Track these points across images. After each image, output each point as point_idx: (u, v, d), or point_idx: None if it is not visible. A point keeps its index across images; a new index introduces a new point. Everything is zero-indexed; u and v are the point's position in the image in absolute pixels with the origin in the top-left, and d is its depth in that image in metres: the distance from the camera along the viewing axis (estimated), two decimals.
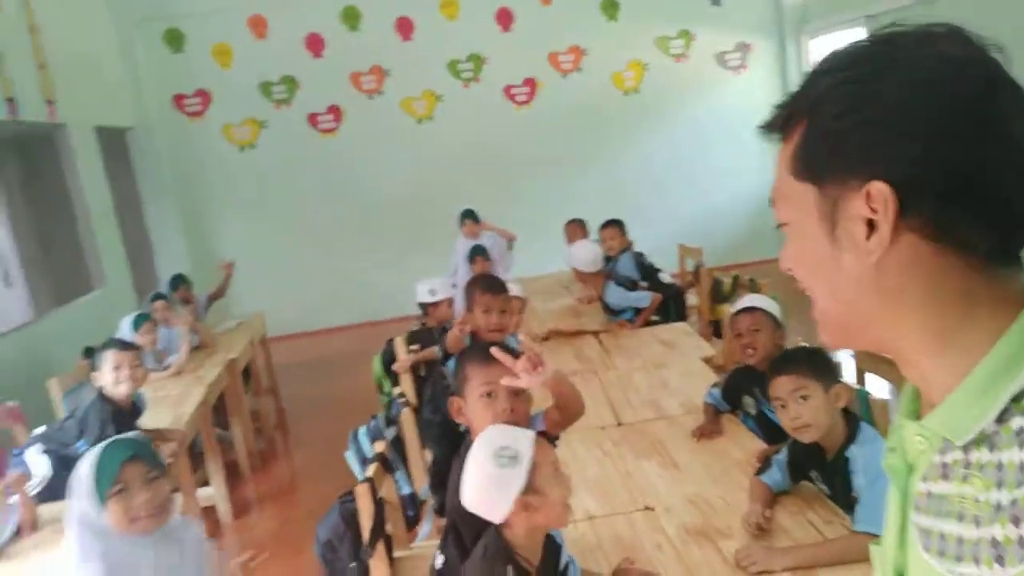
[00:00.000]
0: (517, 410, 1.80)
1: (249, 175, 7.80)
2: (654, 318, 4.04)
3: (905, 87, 0.59)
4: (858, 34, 6.31)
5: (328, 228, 7.87)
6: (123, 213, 6.69)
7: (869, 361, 2.66)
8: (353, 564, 2.24)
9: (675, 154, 8.01)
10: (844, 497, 1.87)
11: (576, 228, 5.50)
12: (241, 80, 7.65)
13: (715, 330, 4.18)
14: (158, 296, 4.84)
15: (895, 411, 0.84)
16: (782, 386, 1.93)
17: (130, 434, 1.97)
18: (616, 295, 4.04)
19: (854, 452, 1.85)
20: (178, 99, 7.69)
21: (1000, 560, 0.54)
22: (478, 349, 1.97)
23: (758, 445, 2.33)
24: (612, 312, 4.05)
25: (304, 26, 7.64)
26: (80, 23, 6.43)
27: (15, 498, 2.50)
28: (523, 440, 1.51)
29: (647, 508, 2.07)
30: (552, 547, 1.59)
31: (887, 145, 0.59)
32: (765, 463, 2.09)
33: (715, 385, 2.67)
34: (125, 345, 3.19)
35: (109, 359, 3.07)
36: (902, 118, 0.58)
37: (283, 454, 5.03)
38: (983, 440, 0.58)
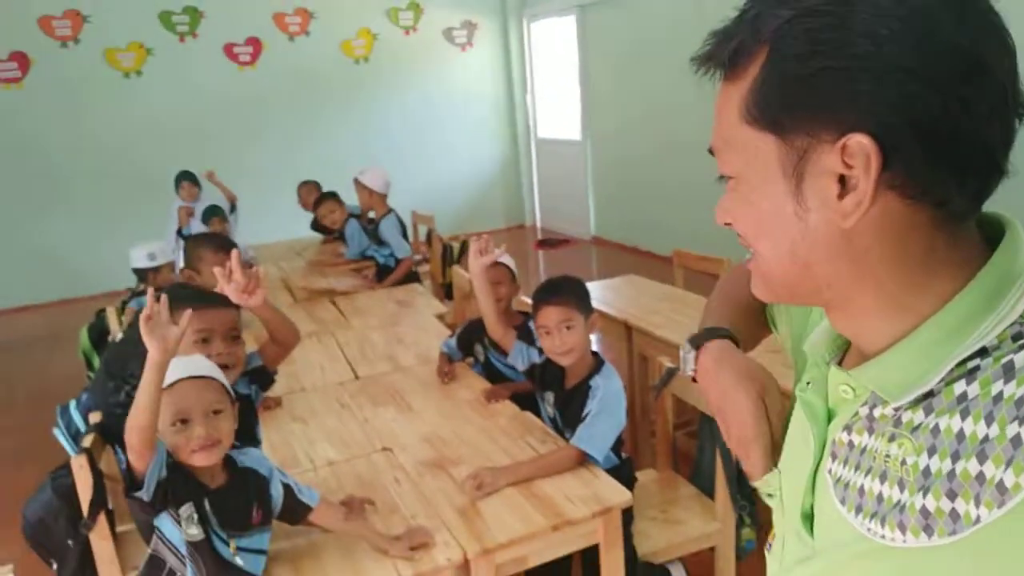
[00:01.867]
0: (233, 353, 1.90)
1: None
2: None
3: (881, 22, 0.51)
4: (570, 23, 6.85)
5: (22, 192, 6.87)
6: None
7: None
8: (70, 541, 2.08)
9: (407, 125, 8.14)
10: (572, 420, 2.11)
11: (312, 189, 5.42)
12: None
13: (447, 292, 4.39)
14: None
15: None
16: (550, 315, 2.09)
17: None
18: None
19: (597, 382, 2.09)
20: None
21: (928, 530, 0.52)
22: (189, 295, 1.96)
23: (484, 385, 2.55)
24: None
25: None
26: None
27: None
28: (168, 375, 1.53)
29: (385, 449, 2.18)
30: (242, 476, 1.63)
31: (864, 91, 0.51)
32: (522, 339, 2.34)
33: (451, 336, 2.84)
34: None
35: None
36: (880, 59, 0.51)
37: None
38: (919, 402, 0.56)
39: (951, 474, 0.52)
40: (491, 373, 2.67)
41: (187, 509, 1.53)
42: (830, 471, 0.62)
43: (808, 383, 0.67)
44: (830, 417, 0.64)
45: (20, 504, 2.22)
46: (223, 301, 1.94)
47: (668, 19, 6.15)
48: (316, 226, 5.31)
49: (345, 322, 3.46)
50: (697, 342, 0.85)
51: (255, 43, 7.53)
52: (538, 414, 2.31)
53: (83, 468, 2.02)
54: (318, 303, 3.80)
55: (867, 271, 0.57)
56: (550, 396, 2.25)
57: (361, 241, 4.55)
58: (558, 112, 8.30)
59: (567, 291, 2.16)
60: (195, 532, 1.53)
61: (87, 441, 2.11)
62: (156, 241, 3.84)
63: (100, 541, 2.06)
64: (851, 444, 0.61)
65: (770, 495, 0.74)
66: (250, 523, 1.62)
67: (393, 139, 8.05)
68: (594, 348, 2.25)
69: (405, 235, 4.44)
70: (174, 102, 7.23)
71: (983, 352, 0.53)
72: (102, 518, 2.05)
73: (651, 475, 2.42)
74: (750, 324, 0.90)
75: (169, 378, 1.53)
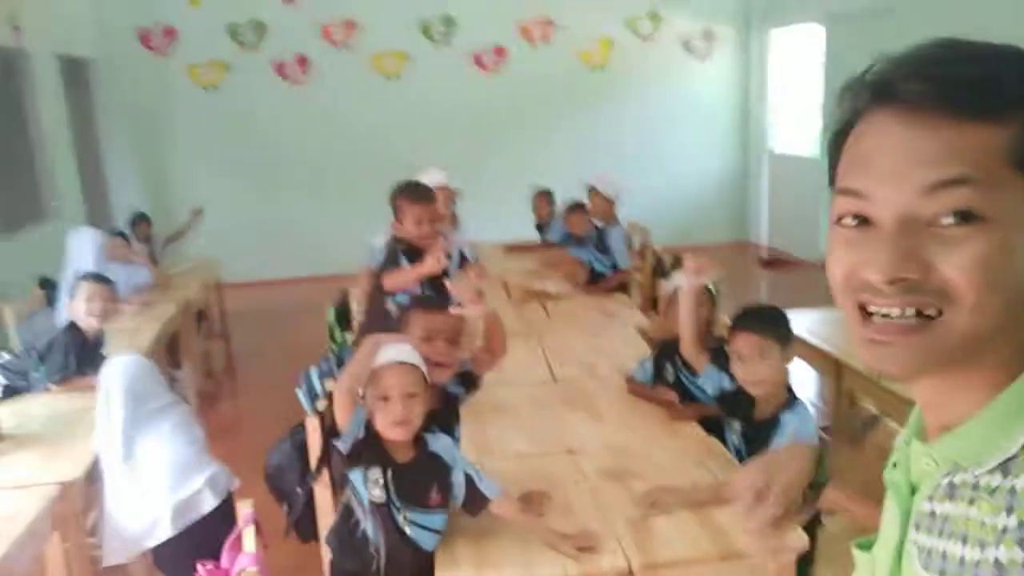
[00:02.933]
0: (450, 354, 2.13)
1: (211, 118, 7.77)
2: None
3: None
4: (817, 31, 6.40)
5: (288, 179, 7.90)
6: (80, 145, 6.64)
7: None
8: (299, 489, 2.43)
9: (636, 133, 8.23)
10: (757, 453, 2.08)
11: (545, 197, 5.66)
12: (208, 20, 7.58)
13: (653, 304, 4.43)
14: (118, 233, 4.88)
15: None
16: (746, 342, 2.07)
17: None
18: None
19: (788, 418, 2.04)
20: (143, 34, 7.60)
21: None
22: (420, 300, 2.29)
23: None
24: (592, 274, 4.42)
25: None
26: None
27: None
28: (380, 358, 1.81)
29: (570, 451, 2.31)
30: (428, 458, 1.84)
31: None
32: (716, 363, 2.32)
33: (647, 358, 2.81)
34: (100, 279, 3.26)
35: (83, 290, 3.15)
36: None
37: (231, 396, 5.17)
38: (997, 466, 0.57)
39: (1022, 524, 0.53)
40: (680, 393, 2.69)
41: (375, 472, 1.79)
42: (914, 542, 0.63)
43: (894, 464, 0.69)
44: (913, 491, 0.66)
45: (260, 458, 2.63)
46: (444, 305, 2.20)
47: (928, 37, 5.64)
48: (542, 230, 5.58)
49: (551, 325, 3.64)
50: None
51: (501, 51, 8.00)
52: (723, 440, 2.31)
53: (315, 428, 2.36)
54: (528, 305, 4.02)
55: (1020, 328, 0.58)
56: (737, 425, 2.24)
57: (620, 254, 4.57)
58: (795, 127, 7.94)
59: (767, 320, 2.13)
60: (378, 495, 1.78)
61: (321, 404, 2.46)
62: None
63: (323, 491, 2.39)
64: (933, 513, 0.61)
65: None
66: (427, 502, 1.82)
67: (622, 147, 8.17)
68: (791, 382, 2.20)
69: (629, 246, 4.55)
70: (425, 104, 7.90)
71: None
72: (326, 472, 2.38)
73: (842, 523, 2.32)
74: None
75: (381, 359, 1.80)
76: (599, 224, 4.66)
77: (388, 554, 1.83)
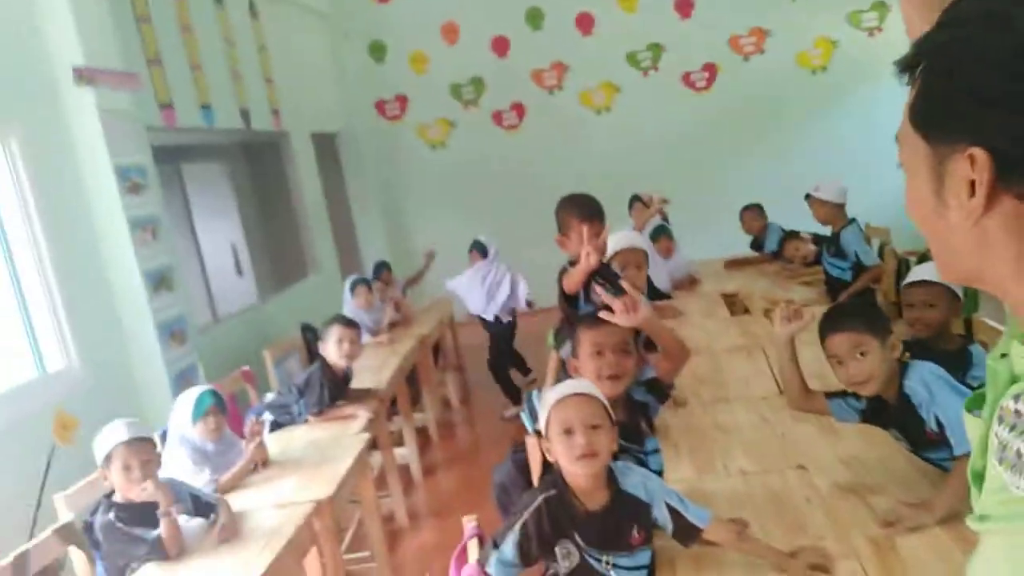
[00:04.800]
0: (622, 364, 2.08)
1: (440, 172, 8.39)
2: None
3: (1011, 58, 0.59)
4: None
5: (511, 220, 8.27)
6: (332, 208, 7.49)
7: None
8: None
9: (865, 132, 7.57)
10: (919, 434, 1.87)
11: (755, 214, 5.43)
12: (434, 83, 8.25)
13: (899, 311, 4.00)
14: (362, 280, 5.38)
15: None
16: (839, 344, 1.91)
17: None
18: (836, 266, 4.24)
19: (910, 386, 1.85)
20: (379, 105, 8.44)
21: None
22: (589, 316, 2.23)
23: None
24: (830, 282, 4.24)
25: (491, 29, 8.08)
26: (299, 40, 7.28)
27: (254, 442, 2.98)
28: (559, 391, 1.77)
29: (800, 467, 2.13)
30: (622, 500, 1.75)
31: (988, 116, 0.60)
32: (836, 396, 2.07)
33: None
34: (349, 322, 3.62)
35: (334, 333, 3.52)
36: (1010, 92, 0.59)
37: (466, 423, 5.46)
38: None
39: None
40: None
41: (562, 548, 1.73)
42: (996, 434, 0.66)
43: (1002, 355, 0.70)
44: (1013, 383, 0.67)
45: None
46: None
47: None
48: (754, 245, 5.35)
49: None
50: None
51: (711, 68, 7.82)
52: None
53: (535, 447, 2.40)
54: (752, 318, 3.82)
55: (1010, 265, 0.64)
56: (893, 431, 1.98)
57: (861, 250, 4.25)
58: None
59: (854, 315, 1.95)
60: (569, 564, 1.73)
61: (541, 424, 2.50)
62: None
63: None
64: (1017, 412, 0.64)
65: None
66: (629, 543, 1.74)
67: (849, 149, 7.55)
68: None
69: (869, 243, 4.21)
70: (637, 132, 7.91)
71: None
72: None
73: None
74: None
75: (560, 393, 1.77)
76: (831, 229, 4.35)
77: None
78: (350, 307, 4.85)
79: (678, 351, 2.22)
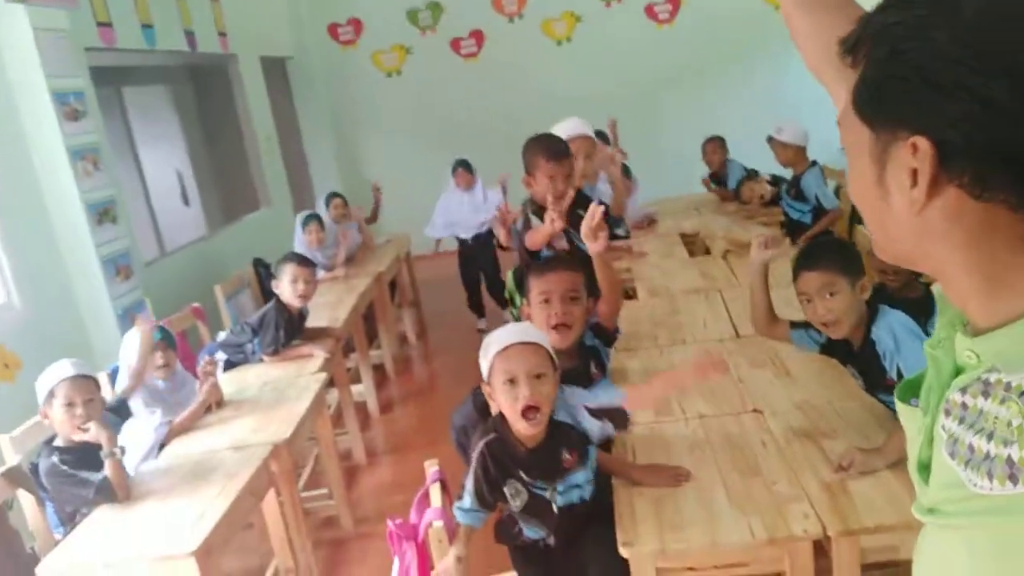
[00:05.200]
0: (570, 312, 2.10)
1: (396, 100, 8.14)
2: None
3: (958, 44, 0.57)
4: None
5: (469, 151, 8.11)
6: (283, 137, 7.24)
7: None
8: None
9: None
10: (879, 379, 1.92)
11: (717, 146, 5.42)
12: (390, 7, 7.92)
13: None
14: (314, 216, 5.17)
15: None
16: (810, 282, 1.93)
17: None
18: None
19: (877, 334, 1.89)
20: (332, 28, 8.09)
21: (1013, 479, 0.56)
22: (539, 263, 2.26)
23: None
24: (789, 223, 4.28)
25: None
26: None
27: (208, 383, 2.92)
28: (502, 339, 1.77)
29: (755, 411, 2.17)
30: (556, 430, 1.81)
31: (932, 103, 0.58)
32: (799, 325, 2.11)
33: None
34: (304, 261, 3.50)
35: (289, 272, 3.40)
36: (950, 78, 0.57)
37: (423, 359, 5.46)
38: None
39: None
40: None
41: (510, 487, 1.79)
42: (944, 427, 0.65)
43: (940, 341, 0.70)
44: (957, 374, 0.67)
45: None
46: (563, 265, 2.16)
47: None
48: (714, 179, 5.35)
49: (734, 280, 3.45)
50: None
51: (673, 1, 7.67)
52: None
53: None
54: (711, 259, 3.84)
55: (950, 253, 0.63)
56: (851, 369, 2.06)
57: (822, 194, 4.27)
58: None
59: (828, 254, 1.97)
60: (520, 501, 1.79)
61: None
62: None
63: None
64: (964, 405, 0.63)
65: None
66: (564, 467, 1.80)
67: (811, 89, 7.52)
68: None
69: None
70: (598, 63, 7.76)
71: None
72: None
73: None
74: None
75: (503, 342, 1.75)
76: (792, 171, 4.37)
77: (556, 529, 1.87)
78: (302, 244, 4.72)
79: (616, 296, 2.28)
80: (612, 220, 3.31)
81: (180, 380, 3.07)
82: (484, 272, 5.61)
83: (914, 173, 0.60)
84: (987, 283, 0.62)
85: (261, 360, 3.41)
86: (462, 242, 5.61)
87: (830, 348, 2.08)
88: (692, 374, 2.13)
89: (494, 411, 2.41)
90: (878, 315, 1.92)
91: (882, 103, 0.62)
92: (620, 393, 1.95)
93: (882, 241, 0.69)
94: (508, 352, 1.75)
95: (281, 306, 3.43)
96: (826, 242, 2.12)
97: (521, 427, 1.76)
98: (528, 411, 1.72)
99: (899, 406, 0.76)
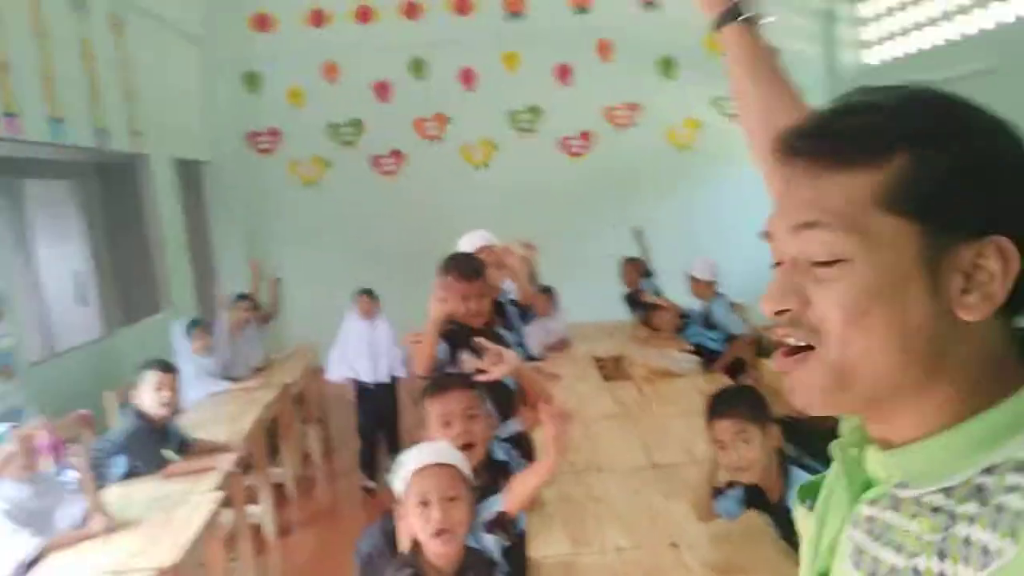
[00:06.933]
0: (471, 431, 2.03)
1: (313, 212, 8.13)
2: None
3: (1009, 149, 0.59)
4: None
5: (386, 268, 8.12)
6: (193, 241, 7.06)
7: None
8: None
9: (735, 212, 8.08)
10: (793, 534, 1.93)
11: (636, 267, 5.63)
12: (311, 120, 8.04)
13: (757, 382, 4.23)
14: (198, 322, 4.76)
15: None
16: (724, 429, 1.98)
17: None
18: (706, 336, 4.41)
19: (791, 498, 1.89)
20: (251, 136, 8.12)
21: None
22: (433, 385, 2.19)
23: None
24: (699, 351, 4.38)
25: (373, 73, 8.02)
26: (168, 61, 6.90)
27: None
28: (417, 458, 1.75)
29: (672, 544, 2.16)
30: (471, 558, 1.76)
31: (1010, 200, 0.57)
32: (720, 492, 2.14)
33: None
34: (167, 367, 3.27)
35: (151, 379, 3.16)
36: (1017, 178, 0.58)
37: (327, 480, 5.19)
38: (941, 489, 0.58)
39: (944, 538, 0.55)
40: None
41: None
42: (850, 538, 0.65)
43: (850, 445, 0.67)
44: (866, 488, 0.65)
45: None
46: (459, 383, 2.14)
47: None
48: (632, 301, 5.52)
49: (647, 407, 3.51)
50: None
51: (586, 136, 8.13)
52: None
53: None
54: (623, 386, 3.91)
55: (952, 366, 0.59)
56: (768, 519, 2.10)
57: (731, 322, 4.51)
58: None
59: (738, 401, 2.05)
60: None
61: None
62: None
63: None
64: (872, 518, 0.63)
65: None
66: None
67: (715, 223, 8.02)
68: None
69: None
70: (514, 190, 8.03)
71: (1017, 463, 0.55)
72: None
73: None
74: None
75: (418, 462, 1.73)
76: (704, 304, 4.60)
77: None
78: (185, 352, 4.44)
79: (541, 399, 2.25)
80: (522, 311, 3.35)
81: (47, 484, 2.76)
82: (385, 426, 4.91)
83: (966, 277, 0.57)
84: (960, 395, 0.58)
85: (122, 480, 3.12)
86: (361, 387, 4.85)
87: (750, 500, 2.11)
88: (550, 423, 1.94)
89: (402, 534, 2.31)
90: (792, 477, 1.96)
91: (955, 201, 0.57)
92: (498, 498, 1.89)
93: (879, 362, 0.59)
94: (422, 473, 1.72)
95: (141, 418, 3.16)
96: (736, 390, 2.21)
97: (433, 547, 1.71)
98: (440, 533, 1.69)
99: (798, 511, 0.75)
